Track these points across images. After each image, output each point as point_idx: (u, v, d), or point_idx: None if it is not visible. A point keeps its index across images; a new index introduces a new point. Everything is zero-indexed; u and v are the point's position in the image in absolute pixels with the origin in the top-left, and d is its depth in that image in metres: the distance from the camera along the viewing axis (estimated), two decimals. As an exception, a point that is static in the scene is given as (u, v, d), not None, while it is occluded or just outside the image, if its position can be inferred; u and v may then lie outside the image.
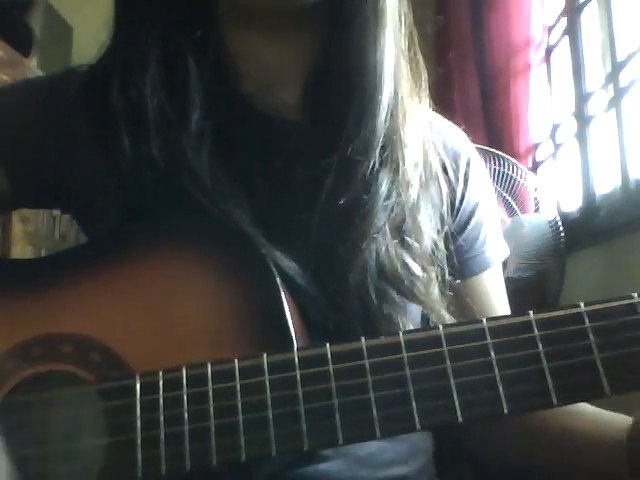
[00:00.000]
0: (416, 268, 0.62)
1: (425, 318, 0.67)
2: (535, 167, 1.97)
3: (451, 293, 0.65)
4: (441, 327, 0.44)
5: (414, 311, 0.65)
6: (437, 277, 0.64)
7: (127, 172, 0.59)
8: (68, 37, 2.71)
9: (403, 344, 0.44)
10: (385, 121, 0.61)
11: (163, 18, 0.62)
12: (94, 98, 0.63)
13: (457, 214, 0.71)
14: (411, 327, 0.61)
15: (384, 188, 0.61)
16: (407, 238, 0.62)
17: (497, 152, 1.72)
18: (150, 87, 0.60)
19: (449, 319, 0.63)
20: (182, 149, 0.59)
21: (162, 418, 0.44)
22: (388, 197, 0.61)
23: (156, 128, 0.59)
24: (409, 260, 0.62)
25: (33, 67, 2.28)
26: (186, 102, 0.60)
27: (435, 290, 0.63)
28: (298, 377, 0.43)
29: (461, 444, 0.75)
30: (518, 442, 0.69)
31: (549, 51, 1.98)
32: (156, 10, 0.62)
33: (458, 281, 0.67)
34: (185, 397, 0.44)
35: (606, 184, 1.64)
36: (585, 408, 0.64)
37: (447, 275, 0.65)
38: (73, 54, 2.67)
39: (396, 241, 0.61)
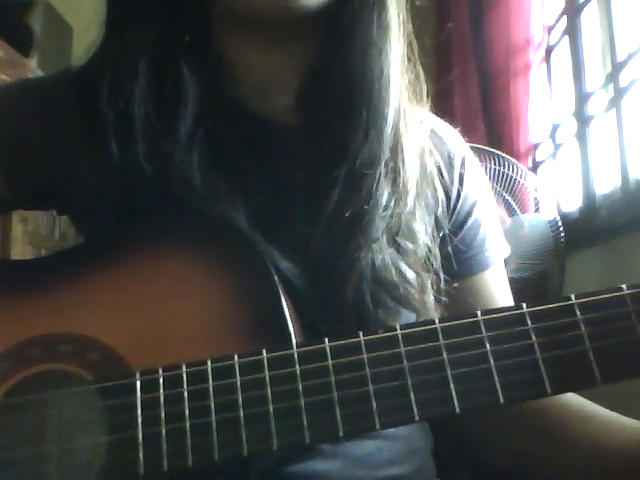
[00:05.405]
0: (411, 275, 0.62)
1: None
2: (535, 167, 1.97)
3: (446, 299, 0.65)
4: (437, 321, 0.45)
5: (409, 317, 0.65)
6: (432, 284, 0.64)
7: (117, 177, 0.59)
8: (68, 37, 2.71)
9: (400, 338, 0.45)
10: (391, 133, 0.62)
11: (156, 24, 0.61)
12: (84, 103, 0.63)
13: (453, 214, 0.71)
14: None
15: (385, 199, 0.61)
16: (402, 245, 0.62)
17: (497, 152, 1.72)
18: (139, 96, 0.60)
19: None
20: (169, 156, 0.59)
21: (163, 415, 0.44)
22: (387, 207, 0.61)
23: (143, 136, 0.59)
24: (404, 267, 0.62)
25: (33, 67, 2.28)
26: (177, 109, 0.60)
27: (430, 297, 0.63)
28: (298, 372, 0.44)
29: (461, 444, 0.75)
30: (523, 444, 0.69)
31: (549, 51, 1.99)
32: (149, 16, 0.61)
33: (455, 284, 0.67)
34: (186, 394, 0.44)
35: (606, 184, 1.65)
36: (596, 411, 0.63)
37: (442, 283, 0.65)
38: (73, 54, 2.68)
39: (392, 249, 0.61)
